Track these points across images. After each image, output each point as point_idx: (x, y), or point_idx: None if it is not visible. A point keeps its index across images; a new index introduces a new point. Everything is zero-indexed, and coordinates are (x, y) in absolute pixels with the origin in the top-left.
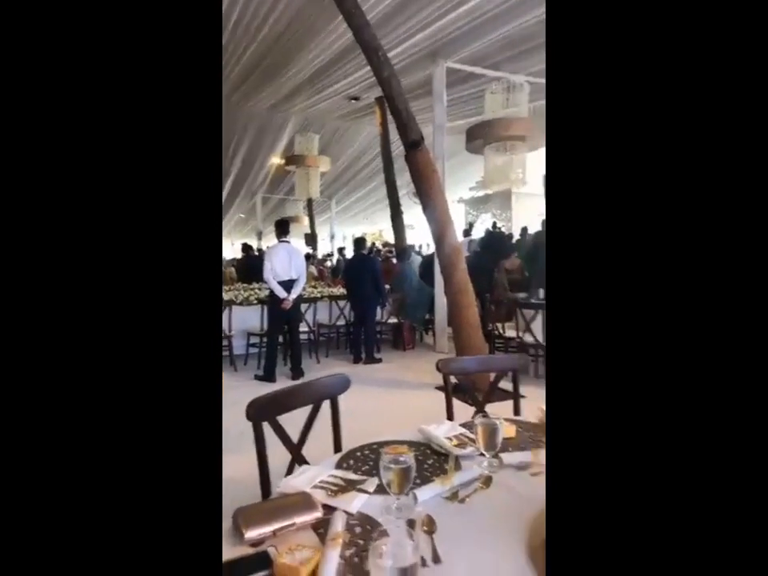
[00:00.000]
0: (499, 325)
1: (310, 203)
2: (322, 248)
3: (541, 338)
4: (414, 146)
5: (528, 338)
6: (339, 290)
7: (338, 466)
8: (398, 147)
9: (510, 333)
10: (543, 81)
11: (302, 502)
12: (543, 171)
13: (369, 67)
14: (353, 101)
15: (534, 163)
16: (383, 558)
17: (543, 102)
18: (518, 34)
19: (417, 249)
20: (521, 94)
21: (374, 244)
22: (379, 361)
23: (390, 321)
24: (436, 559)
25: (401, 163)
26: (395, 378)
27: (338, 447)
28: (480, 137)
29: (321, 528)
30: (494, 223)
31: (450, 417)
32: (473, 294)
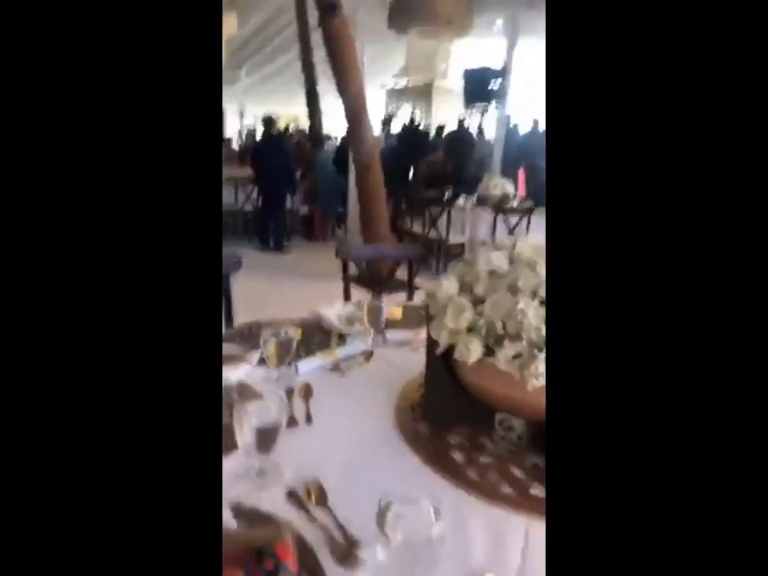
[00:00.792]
0: (408, 220)
1: None
2: (231, 126)
3: (444, 234)
4: (329, 10)
5: (432, 234)
6: (246, 173)
7: (224, 341)
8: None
9: (417, 229)
10: None
11: None
12: (466, 66)
13: None
14: None
15: (457, 56)
16: (248, 418)
17: None
18: None
19: (333, 138)
20: None
21: (287, 127)
22: (288, 251)
23: (302, 211)
24: (308, 419)
25: (320, 38)
26: (302, 267)
27: (228, 326)
28: (404, 12)
29: None
30: (412, 119)
31: (347, 299)
32: (384, 189)
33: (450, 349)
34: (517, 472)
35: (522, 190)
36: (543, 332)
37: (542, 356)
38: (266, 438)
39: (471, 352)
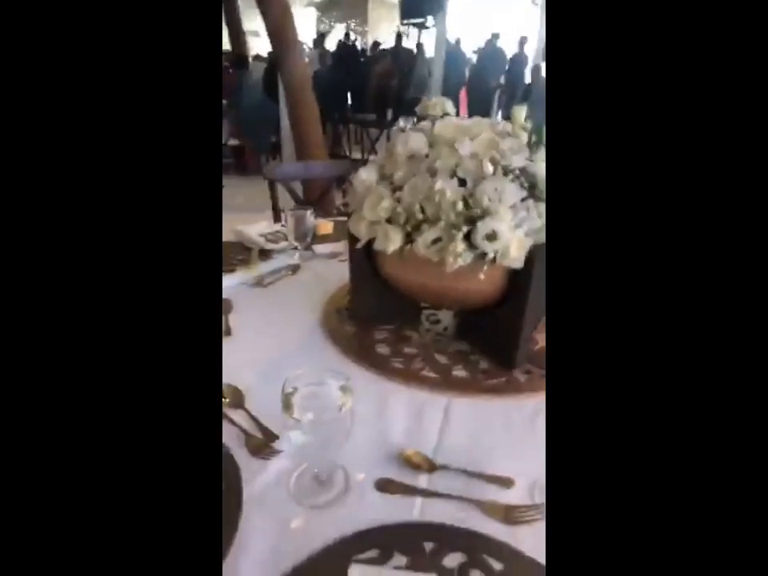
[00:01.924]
0: (347, 147)
1: None
2: None
3: None
4: None
5: (373, 158)
6: None
7: None
8: None
9: (357, 155)
10: None
11: None
12: None
13: None
14: None
15: None
16: None
17: None
18: None
19: (260, 59)
20: None
21: None
22: None
23: (231, 143)
24: (227, 332)
25: None
26: (234, 203)
27: None
28: None
29: None
30: (347, 34)
31: (277, 221)
32: (318, 113)
33: (372, 243)
34: (440, 358)
35: (463, 110)
36: (460, 207)
37: (460, 235)
38: None
39: (390, 241)
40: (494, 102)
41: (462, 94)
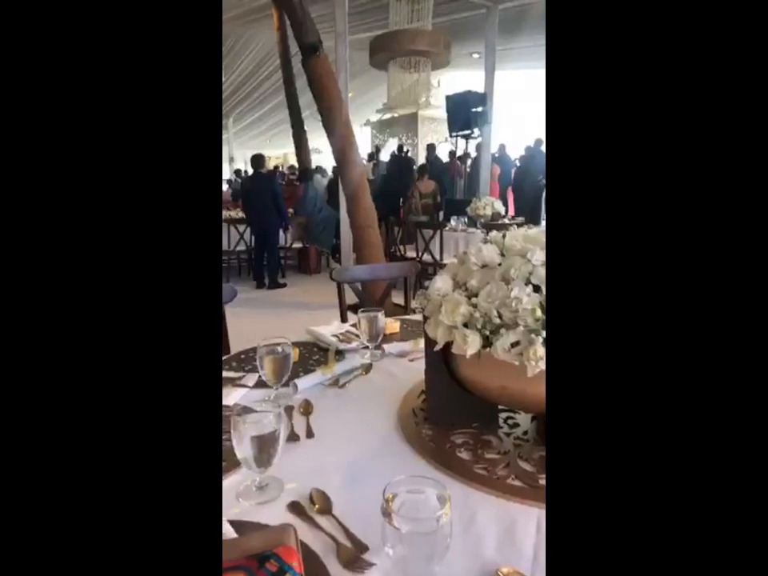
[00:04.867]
0: (402, 247)
1: None
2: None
3: (438, 256)
4: (311, 50)
5: (426, 258)
6: (238, 214)
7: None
8: (300, 59)
9: (411, 254)
10: None
11: None
12: (446, 92)
13: None
14: None
15: (440, 85)
16: (245, 431)
17: (446, 18)
18: None
19: (323, 172)
20: (426, 5)
21: (277, 167)
22: (283, 286)
23: (295, 245)
24: (309, 434)
25: (305, 80)
26: (299, 300)
27: (226, 353)
28: (384, 49)
29: None
30: (400, 146)
31: (344, 320)
32: (375, 216)
33: (448, 347)
34: (525, 465)
35: (511, 210)
36: (539, 314)
37: (540, 340)
38: (263, 450)
39: (469, 344)
40: (542, 200)
41: (509, 194)
